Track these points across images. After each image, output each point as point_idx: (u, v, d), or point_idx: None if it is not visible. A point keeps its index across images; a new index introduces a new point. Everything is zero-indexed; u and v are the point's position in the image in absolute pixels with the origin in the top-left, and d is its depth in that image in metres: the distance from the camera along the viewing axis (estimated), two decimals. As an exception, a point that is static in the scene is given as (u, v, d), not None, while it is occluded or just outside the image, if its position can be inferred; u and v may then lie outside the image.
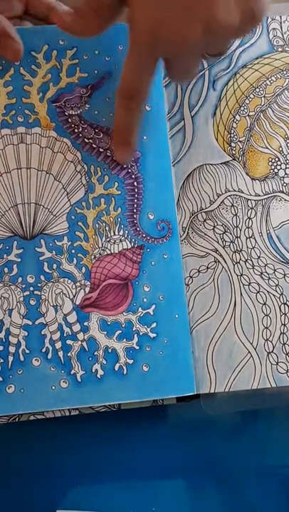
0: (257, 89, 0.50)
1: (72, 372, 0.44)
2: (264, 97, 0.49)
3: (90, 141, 0.47)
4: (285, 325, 0.46)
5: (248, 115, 0.49)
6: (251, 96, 0.50)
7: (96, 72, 0.48)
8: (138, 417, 0.47)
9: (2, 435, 0.46)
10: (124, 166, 0.47)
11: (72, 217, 0.46)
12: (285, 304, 0.47)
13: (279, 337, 0.46)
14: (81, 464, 0.47)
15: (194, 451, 0.47)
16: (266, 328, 0.46)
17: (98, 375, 0.44)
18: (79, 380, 0.44)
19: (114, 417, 0.47)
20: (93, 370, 0.44)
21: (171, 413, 0.48)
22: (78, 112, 0.47)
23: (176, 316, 0.46)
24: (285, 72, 0.50)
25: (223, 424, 0.48)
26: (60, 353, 0.44)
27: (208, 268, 0.47)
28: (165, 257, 0.46)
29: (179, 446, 0.48)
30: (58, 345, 0.44)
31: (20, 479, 0.46)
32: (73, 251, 0.46)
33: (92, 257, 0.45)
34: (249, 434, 0.48)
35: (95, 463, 0.48)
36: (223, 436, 0.48)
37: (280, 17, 0.51)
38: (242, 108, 0.49)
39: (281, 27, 0.51)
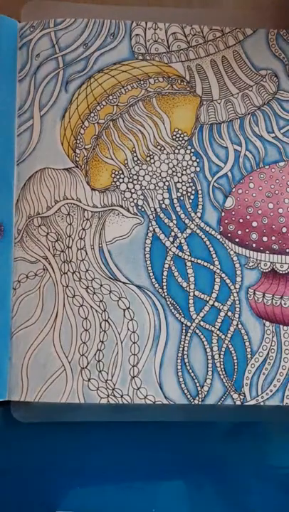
0: (110, 97, 0.49)
1: None
2: (117, 105, 0.49)
3: None
4: (102, 342, 0.46)
5: (98, 122, 0.49)
6: (104, 103, 0.49)
7: None
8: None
9: (2, 435, 0.47)
10: None
11: None
12: (106, 320, 0.47)
13: (95, 354, 0.46)
14: (81, 465, 0.48)
15: (194, 452, 0.48)
16: (84, 343, 0.46)
17: None
18: None
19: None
20: None
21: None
22: None
23: None
24: (142, 82, 0.49)
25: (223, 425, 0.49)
26: None
27: (36, 275, 0.47)
28: None
29: (179, 447, 0.48)
30: None
31: (21, 479, 0.47)
32: None
33: None
34: (249, 434, 0.49)
35: (94, 463, 0.48)
36: (223, 436, 0.49)
37: (146, 23, 0.50)
38: (92, 114, 0.49)
39: (145, 34, 0.49)
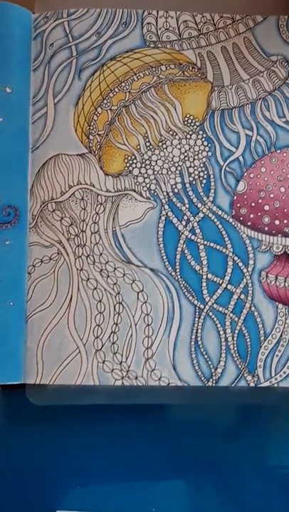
0: (123, 84, 0.49)
1: None
2: (129, 92, 0.49)
3: None
4: (117, 324, 0.47)
5: (110, 109, 0.49)
6: (116, 90, 0.49)
7: None
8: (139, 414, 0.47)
9: (2, 434, 0.47)
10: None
11: None
12: (120, 303, 0.47)
13: (109, 336, 0.47)
14: (81, 465, 0.48)
15: (195, 451, 0.48)
16: (98, 325, 0.47)
17: None
18: None
19: (115, 415, 0.47)
20: None
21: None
22: None
23: (11, 303, 0.46)
24: (154, 69, 0.50)
25: (223, 424, 0.49)
26: None
27: (50, 259, 0.47)
28: (7, 243, 0.47)
29: (179, 447, 0.48)
30: None
31: (21, 479, 0.47)
32: None
33: None
34: (249, 434, 0.49)
35: (95, 463, 0.48)
36: (223, 436, 0.49)
37: (157, 12, 0.52)
38: (105, 101, 0.49)
39: (156, 22, 0.51)
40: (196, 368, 0.47)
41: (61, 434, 0.48)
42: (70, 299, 0.47)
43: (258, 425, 0.49)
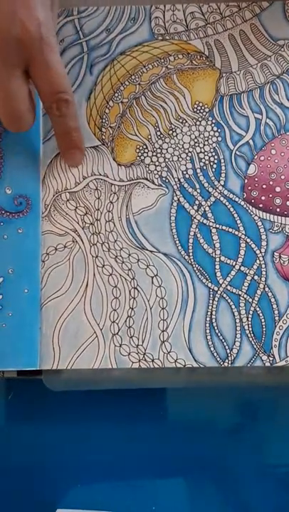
0: (133, 77, 0.51)
1: None
2: (139, 84, 0.51)
3: None
4: (132, 309, 0.48)
5: (122, 102, 0.51)
6: (127, 83, 0.51)
7: None
8: (137, 414, 0.48)
9: (1, 434, 0.48)
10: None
11: None
12: (135, 288, 0.48)
13: (126, 320, 0.47)
14: (81, 463, 0.49)
15: (194, 450, 0.49)
16: (114, 310, 0.48)
17: None
18: None
19: (114, 415, 0.49)
20: None
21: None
22: None
23: (26, 290, 0.47)
24: (162, 61, 0.52)
25: (223, 422, 0.50)
26: None
27: (65, 247, 0.49)
28: (20, 231, 0.48)
29: (179, 445, 0.49)
30: None
31: (21, 478, 0.47)
32: None
33: None
34: (249, 433, 0.50)
35: (95, 462, 0.49)
36: (223, 434, 0.49)
37: (164, 6, 0.53)
38: (116, 94, 0.51)
39: (164, 16, 0.53)
40: (212, 349, 0.47)
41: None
42: (86, 286, 0.48)
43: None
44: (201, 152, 0.50)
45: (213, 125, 0.51)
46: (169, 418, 0.50)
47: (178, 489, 0.48)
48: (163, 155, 0.50)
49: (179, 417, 0.50)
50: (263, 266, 0.49)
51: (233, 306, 0.48)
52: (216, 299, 0.48)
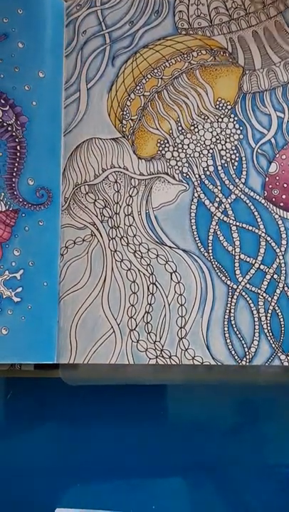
0: (155, 70, 0.51)
1: None
2: (161, 78, 0.51)
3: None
4: (150, 304, 0.48)
5: (143, 95, 0.51)
6: (149, 76, 0.51)
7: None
8: (138, 413, 0.49)
9: (2, 434, 0.48)
10: (9, 128, 0.48)
11: None
12: (153, 283, 0.48)
13: (143, 316, 0.47)
14: (81, 463, 0.49)
15: (195, 450, 0.49)
16: (132, 305, 0.48)
17: None
18: None
19: (113, 415, 0.49)
20: None
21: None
22: None
23: (45, 284, 0.47)
24: (185, 56, 0.51)
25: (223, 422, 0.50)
26: None
27: (84, 240, 0.49)
28: (40, 224, 0.48)
29: (179, 445, 0.49)
30: None
31: (21, 478, 0.48)
32: None
33: None
34: (249, 433, 0.50)
35: (94, 461, 0.49)
36: (224, 434, 0.50)
37: (188, 0, 0.53)
38: (138, 87, 0.51)
39: (188, 10, 0.53)
40: (230, 347, 0.48)
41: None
42: (104, 280, 0.48)
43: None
44: (222, 149, 0.50)
45: (235, 122, 0.50)
46: (170, 417, 0.50)
47: (178, 488, 0.48)
48: (184, 150, 0.50)
49: (180, 415, 0.50)
50: (283, 265, 0.49)
51: (252, 305, 0.48)
52: (235, 297, 0.48)
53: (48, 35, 0.51)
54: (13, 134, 0.48)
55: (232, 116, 0.51)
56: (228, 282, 0.48)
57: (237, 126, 0.50)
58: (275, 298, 0.49)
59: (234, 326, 0.48)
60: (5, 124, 0.48)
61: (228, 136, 0.50)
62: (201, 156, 0.50)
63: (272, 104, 0.51)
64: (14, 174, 0.48)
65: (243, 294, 0.48)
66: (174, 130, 0.50)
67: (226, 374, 0.49)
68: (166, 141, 0.50)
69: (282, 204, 0.50)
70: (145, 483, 0.48)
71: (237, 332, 0.48)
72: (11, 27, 0.49)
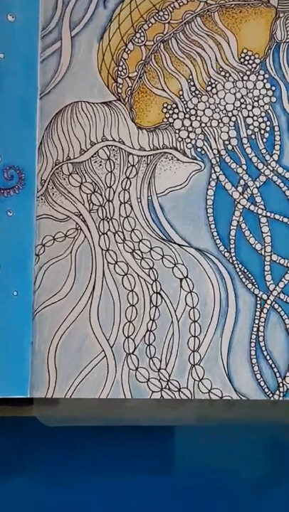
0: (161, 13, 0.44)
1: None
2: (169, 23, 0.44)
3: None
4: (154, 321, 0.42)
5: (145, 45, 0.44)
6: (152, 20, 0.44)
7: None
8: (137, 463, 0.45)
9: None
10: None
11: None
12: (158, 293, 0.43)
13: (144, 335, 0.42)
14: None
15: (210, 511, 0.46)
16: (130, 322, 0.43)
17: None
18: None
19: (103, 466, 0.45)
20: None
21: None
22: None
23: (15, 293, 0.42)
24: (200, -6, 0.44)
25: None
26: None
27: (66, 236, 0.43)
28: (9, 214, 0.43)
29: (189, 504, 0.46)
30: None
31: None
32: None
33: None
34: (283, 487, 0.47)
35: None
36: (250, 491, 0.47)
37: None
38: (138, 35, 0.44)
39: None
40: (258, 376, 0.42)
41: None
42: (93, 288, 0.43)
43: None
44: (248, 116, 0.44)
45: (265, 81, 0.44)
46: (178, 468, 0.46)
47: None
48: (199, 118, 0.44)
49: (191, 466, 0.46)
50: None
51: (287, 321, 0.43)
52: (265, 310, 0.43)
53: None
54: (-28, 95, 0.42)
55: (261, 72, 0.45)
56: (256, 291, 0.43)
57: (268, 85, 0.44)
58: None
59: (264, 348, 0.43)
60: None
61: (256, 99, 0.44)
62: (221, 125, 0.44)
63: (315, 56, 0.43)
64: (-27, 149, 0.42)
65: (276, 306, 0.43)
66: (186, 91, 0.44)
67: (253, 412, 0.44)
68: (174, 106, 0.44)
69: None
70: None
71: (268, 357, 0.43)
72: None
